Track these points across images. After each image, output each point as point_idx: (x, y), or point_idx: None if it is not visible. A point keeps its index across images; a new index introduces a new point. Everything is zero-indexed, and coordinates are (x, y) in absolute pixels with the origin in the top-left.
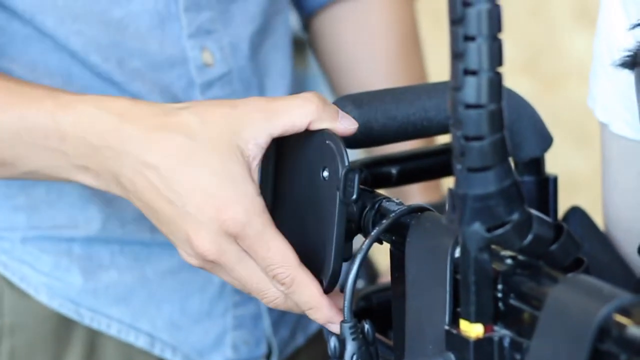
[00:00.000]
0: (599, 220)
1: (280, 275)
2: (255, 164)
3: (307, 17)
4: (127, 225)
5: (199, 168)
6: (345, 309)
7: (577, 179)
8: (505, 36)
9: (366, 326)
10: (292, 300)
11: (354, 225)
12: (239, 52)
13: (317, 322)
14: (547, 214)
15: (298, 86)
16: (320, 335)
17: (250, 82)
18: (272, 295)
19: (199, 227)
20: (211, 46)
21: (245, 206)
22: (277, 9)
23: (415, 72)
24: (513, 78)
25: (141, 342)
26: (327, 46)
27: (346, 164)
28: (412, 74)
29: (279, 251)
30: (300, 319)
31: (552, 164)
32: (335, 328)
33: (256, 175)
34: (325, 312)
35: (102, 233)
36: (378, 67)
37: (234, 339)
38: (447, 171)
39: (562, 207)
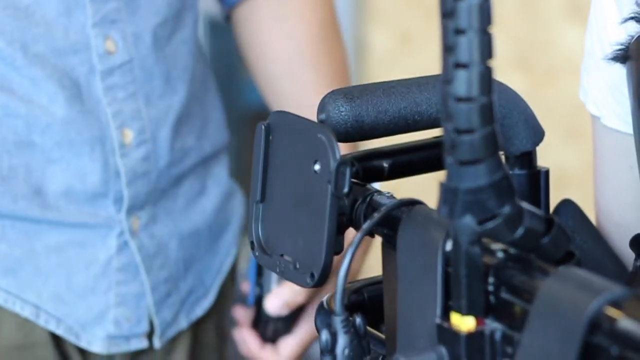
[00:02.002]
0: (590, 213)
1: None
2: None
3: (228, 8)
4: (18, 201)
5: None
6: (337, 302)
7: (569, 172)
8: (497, 32)
9: (358, 320)
10: None
11: (346, 219)
12: (142, 42)
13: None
14: (538, 207)
15: (199, 81)
16: (205, 320)
17: (152, 72)
18: None
19: None
20: (115, 35)
21: None
22: (186, 5)
23: (336, 56)
24: (505, 73)
25: (27, 313)
26: (249, 37)
27: (338, 157)
28: (334, 59)
29: None
30: (184, 303)
31: (544, 158)
32: None
33: None
34: None
35: None
36: (301, 54)
37: (116, 315)
38: (438, 165)
39: (554, 201)
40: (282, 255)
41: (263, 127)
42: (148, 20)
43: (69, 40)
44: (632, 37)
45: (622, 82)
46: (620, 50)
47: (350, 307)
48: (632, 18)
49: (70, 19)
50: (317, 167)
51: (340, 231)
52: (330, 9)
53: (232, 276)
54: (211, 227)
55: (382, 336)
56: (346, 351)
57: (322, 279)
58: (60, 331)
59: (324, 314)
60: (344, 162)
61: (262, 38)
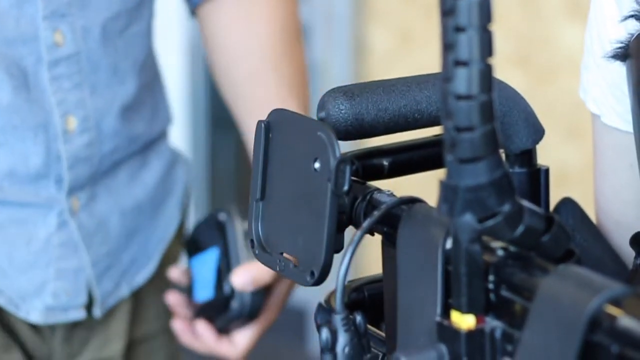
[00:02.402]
0: (590, 212)
1: None
2: None
3: (193, 6)
4: None
5: None
6: (337, 300)
7: (569, 171)
8: (497, 29)
9: (358, 318)
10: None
11: (345, 217)
12: (91, 35)
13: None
14: (538, 205)
15: (151, 72)
16: (146, 288)
17: (99, 64)
18: None
19: None
20: (64, 28)
21: None
22: (144, 0)
23: (297, 58)
24: (505, 71)
25: None
26: (211, 37)
27: (337, 155)
28: (295, 61)
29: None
30: (126, 273)
31: (544, 156)
32: None
33: None
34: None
35: None
36: (265, 56)
37: (55, 288)
38: (438, 163)
39: (554, 199)
40: (281, 253)
41: (263, 125)
42: (98, 15)
43: (19, 31)
44: (632, 35)
45: (622, 80)
46: (620, 48)
47: (351, 305)
48: (632, 16)
49: (21, 11)
50: (317, 165)
51: (340, 229)
52: (292, 12)
53: (177, 241)
54: (153, 198)
55: (382, 334)
56: (346, 349)
57: (322, 277)
58: (1, 302)
59: (324, 312)
60: (343, 160)
61: (223, 38)
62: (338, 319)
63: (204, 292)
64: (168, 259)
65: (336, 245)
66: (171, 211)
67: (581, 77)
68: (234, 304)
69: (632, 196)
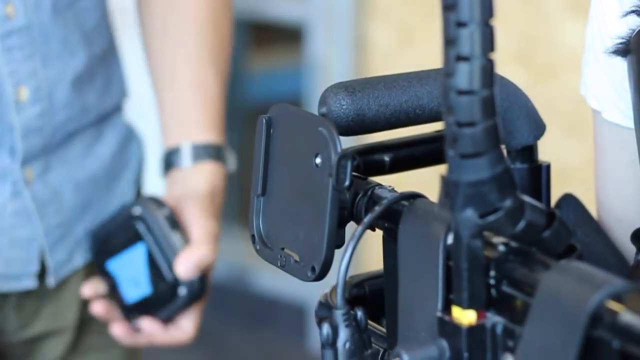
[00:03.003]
0: (591, 207)
1: None
2: None
3: None
4: None
5: None
6: (338, 296)
7: (570, 167)
8: (498, 26)
9: (359, 313)
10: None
11: (347, 213)
12: (42, 8)
13: None
14: (539, 201)
15: (105, 45)
16: None
17: (50, 35)
18: None
19: None
20: (15, 1)
21: None
22: None
23: (224, 36)
24: (506, 68)
25: None
26: (141, 12)
27: (339, 150)
28: (220, 39)
29: None
30: (79, 244)
31: (545, 152)
32: None
33: None
34: None
35: None
36: (187, 32)
37: (8, 255)
38: (440, 158)
39: (555, 196)
40: (283, 248)
41: (264, 120)
42: None
43: None
44: (633, 30)
45: (623, 76)
46: (621, 43)
47: (352, 301)
48: (632, 11)
49: None
50: (318, 160)
51: (341, 225)
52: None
53: None
54: (108, 171)
55: (383, 330)
56: (347, 345)
57: (323, 273)
58: None
59: (325, 308)
60: (345, 155)
61: (152, 13)
62: (339, 315)
63: (137, 290)
64: None
65: (337, 240)
66: (125, 186)
67: (582, 73)
68: (182, 292)
69: (633, 192)
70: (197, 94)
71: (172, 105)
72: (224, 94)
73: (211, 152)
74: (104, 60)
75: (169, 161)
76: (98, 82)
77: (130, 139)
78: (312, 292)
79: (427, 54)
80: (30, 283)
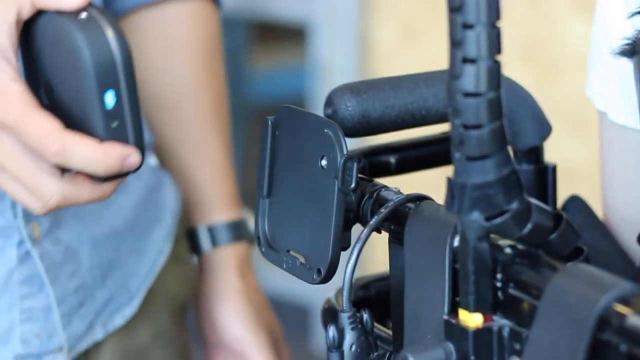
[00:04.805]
0: (598, 209)
1: (51, 147)
2: (7, 50)
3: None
4: None
5: None
6: (344, 298)
7: (576, 168)
8: (503, 26)
9: (365, 316)
10: (71, 186)
11: (353, 215)
12: None
13: (113, 171)
14: (546, 203)
15: None
16: (126, 330)
17: None
18: (48, 191)
19: None
20: None
21: (1, 92)
22: None
23: (217, 85)
24: (511, 67)
25: None
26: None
27: (345, 152)
28: (214, 87)
29: (43, 124)
30: (100, 314)
31: (551, 153)
32: (132, 161)
33: (12, 61)
34: (113, 152)
35: None
36: (179, 81)
37: (22, 333)
38: (445, 160)
39: (561, 197)
40: (288, 250)
41: (270, 122)
42: None
43: None
44: (639, 31)
45: (629, 77)
46: (627, 44)
47: (358, 303)
48: (639, 12)
49: None
50: (324, 162)
51: (347, 227)
52: (216, 35)
53: (170, 276)
54: (134, 226)
55: (389, 332)
56: (353, 347)
57: (329, 275)
58: None
59: (331, 310)
60: (351, 157)
61: (140, 58)
62: (345, 317)
63: None
64: (156, 297)
65: (343, 242)
66: (159, 241)
67: (588, 74)
68: None
69: (639, 194)
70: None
71: (184, 183)
72: (231, 156)
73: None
74: None
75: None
76: None
77: (159, 187)
78: (316, 294)
79: (432, 54)
80: None
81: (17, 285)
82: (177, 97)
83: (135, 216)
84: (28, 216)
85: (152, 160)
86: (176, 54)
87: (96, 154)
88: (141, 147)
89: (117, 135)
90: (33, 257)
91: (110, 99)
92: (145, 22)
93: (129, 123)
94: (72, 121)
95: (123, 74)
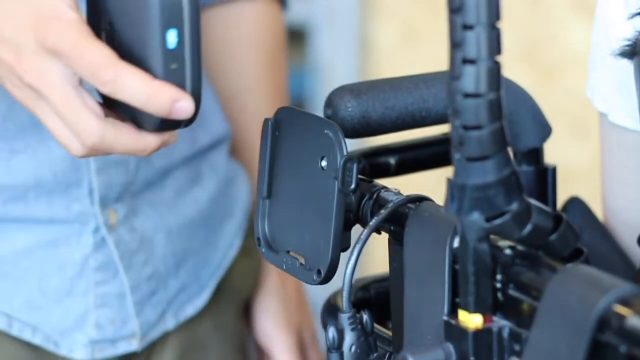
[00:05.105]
0: (597, 211)
1: (104, 75)
2: None
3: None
4: None
5: None
6: (344, 299)
7: (576, 169)
8: (503, 26)
9: (365, 316)
10: (112, 129)
11: (352, 215)
12: None
13: (162, 111)
14: (545, 204)
15: None
16: (195, 321)
17: None
18: (88, 127)
19: (18, 49)
20: None
21: (58, 19)
22: None
23: (279, 85)
24: (511, 68)
25: None
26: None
27: (344, 153)
28: (276, 88)
29: (99, 54)
30: (173, 302)
31: (551, 154)
32: (184, 107)
33: None
34: (166, 92)
35: None
36: (242, 80)
37: (97, 318)
38: (446, 161)
39: (561, 198)
40: (288, 251)
41: (269, 122)
42: None
43: None
44: (639, 32)
45: (629, 78)
46: (627, 45)
47: (357, 304)
48: (639, 13)
49: None
50: (324, 163)
51: (347, 227)
52: (281, 36)
53: (239, 270)
54: (208, 218)
55: (389, 333)
56: (353, 348)
57: (328, 276)
58: (37, 340)
59: (331, 311)
60: (351, 158)
61: (206, 55)
62: (345, 318)
63: None
64: (223, 291)
65: (343, 243)
66: (231, 235)
67: (588, 75)
68: None
69: (639, 195)
70: None
71: None
72: None
73: None
74: None
75: None
76: None
77: (233, 181)
78: (316, 294)
79: (433, 55)
80: (129, 347)
81: (92, 271)
82: (239, 94)
83: (209, 209)
84: (105, 203)
85: (227, 156)
86: (239, 53)
87: (148, 88)
88: (197, 98)
89: (174, 78)
90: (108, 244)
91: (172, 37)
92: (210, 21)
93: (188, 68)
94: (132, 62)
95: (188, 14)
